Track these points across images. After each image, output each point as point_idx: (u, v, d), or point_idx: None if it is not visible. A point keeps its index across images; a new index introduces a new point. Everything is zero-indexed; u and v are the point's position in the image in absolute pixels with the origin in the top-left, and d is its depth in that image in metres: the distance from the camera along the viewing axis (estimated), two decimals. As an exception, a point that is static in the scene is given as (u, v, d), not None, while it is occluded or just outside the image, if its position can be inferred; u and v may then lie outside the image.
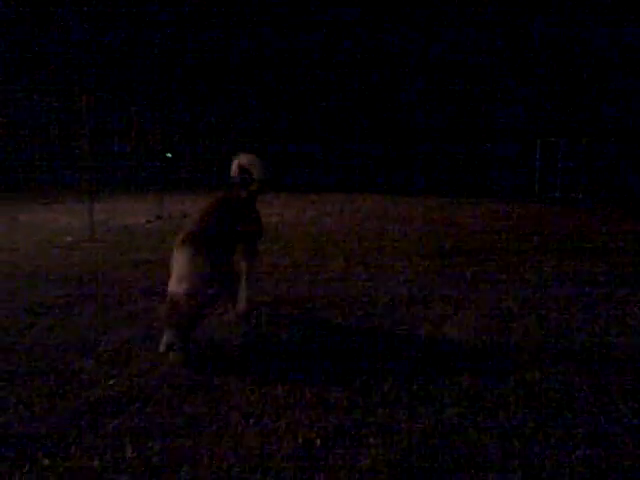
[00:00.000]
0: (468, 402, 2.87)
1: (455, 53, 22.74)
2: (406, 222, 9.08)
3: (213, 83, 24.12)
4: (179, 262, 3.34)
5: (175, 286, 3.22)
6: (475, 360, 3.38)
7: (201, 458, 2.39)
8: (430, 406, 2.84)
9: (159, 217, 10.41)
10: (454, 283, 5.22)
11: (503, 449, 2.48)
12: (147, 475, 2.25)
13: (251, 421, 2.71)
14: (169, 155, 15.17)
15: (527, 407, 2.83)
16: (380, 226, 8.71)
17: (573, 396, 2.95)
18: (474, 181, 12.51)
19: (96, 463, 2.31)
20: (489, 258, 6.45)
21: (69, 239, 7.42)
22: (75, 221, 8.31)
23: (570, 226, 9.70)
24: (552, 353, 3.44)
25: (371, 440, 2.56)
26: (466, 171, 12.84)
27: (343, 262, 6.13)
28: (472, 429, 2.62)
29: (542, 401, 2.89)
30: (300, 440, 2.55)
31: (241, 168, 4.12)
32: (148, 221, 9.73)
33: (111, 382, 3.07)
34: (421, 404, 2.86)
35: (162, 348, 3.14)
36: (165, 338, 3.14)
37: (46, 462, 2.31)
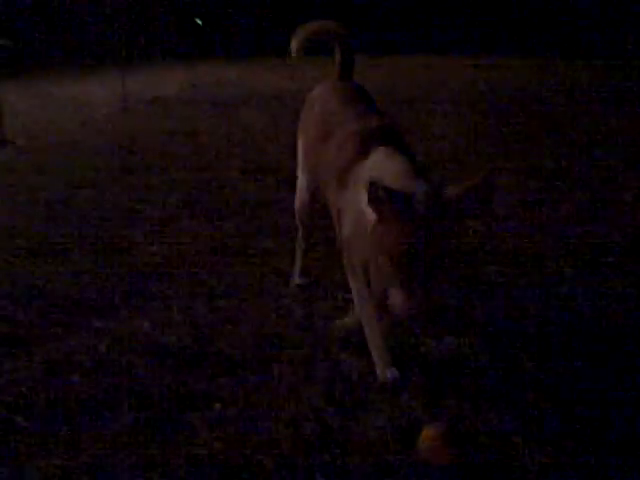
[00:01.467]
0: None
1: None
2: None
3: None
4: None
5: None
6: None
7: (243, 319, 2.48)
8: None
9: (194, 85, 10.25)
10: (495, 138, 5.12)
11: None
12: (193, 334, 2.35)
13: (291, 283, 2.78)
14: (199, 21, 14.70)
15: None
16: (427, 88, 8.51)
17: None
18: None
19: (145, 324, 2.43)
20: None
21: (104, 112, 7.41)
22: (108, 93, 8.25)
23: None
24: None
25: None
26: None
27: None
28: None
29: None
30: (339, 301, 2.61)
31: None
32: (193, 85, 9.49)
33: (154, 248, 3.16)
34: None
35: None
36: None
37: (98, 324, 2.43)
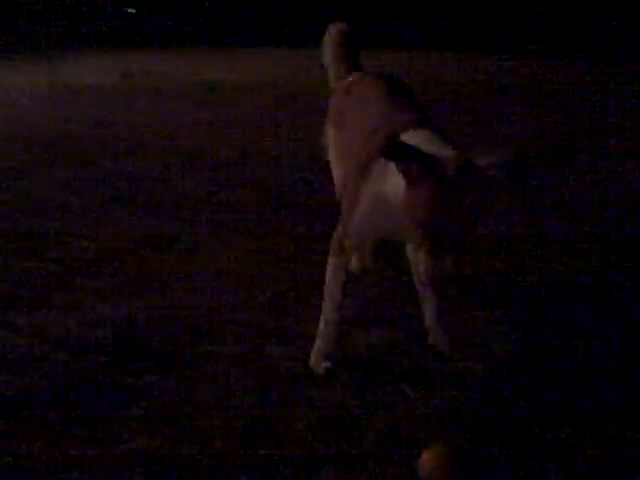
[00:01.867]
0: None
1: None
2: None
3: None
4: None
5: None
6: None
7: (174, 314, 2.45)
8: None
9: (127, 75, 10.02)
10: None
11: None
12: (123, 330, 2.31)
13: (223, 277, 2.76)
14: (132, 10, 14.39)
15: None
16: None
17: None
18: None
19: (72, 320, 2.37)
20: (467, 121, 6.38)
21: (29, 101, 7.16)
22: (38, 80, 7.99)
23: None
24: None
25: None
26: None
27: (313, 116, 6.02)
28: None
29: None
30: (272, 292, 2.61)
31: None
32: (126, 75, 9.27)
33: (84, 242, 3.08)
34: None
35: None
36: None
37: (21, 321, 2.36)
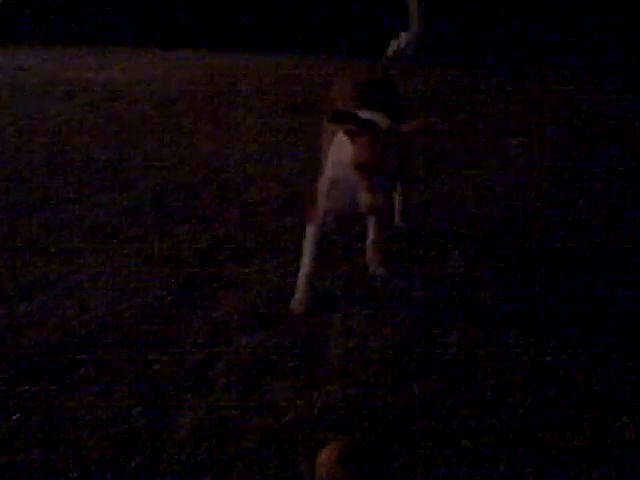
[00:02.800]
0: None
1: None
2: (256, 78, 8.87)
3: None
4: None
5: None
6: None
7: (44, 321, 2.34)
8: (279, 259, 2.92)
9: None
10: (305, 140, 5.25)
11: (347, 295, 2.63)
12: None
13: (99, 282, 2.66)
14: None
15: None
16: (231, 82, 8.45)
17: (414, 237, 3.15)
18: (323, 35, 12.19)
19: None
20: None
21: None
22: None
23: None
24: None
25: (222, 294, 2.61)
26: (313, 26, 12.37)
27: (193, 119, 5.94)
28: (318, 279, 2.74)
29: (384, 249, 3.07)
30: (150, 297, 2.55)
31: None
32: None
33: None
34: (271, 258, 2.93)
35: None
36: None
37: None
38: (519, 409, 1.96)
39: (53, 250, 2.92)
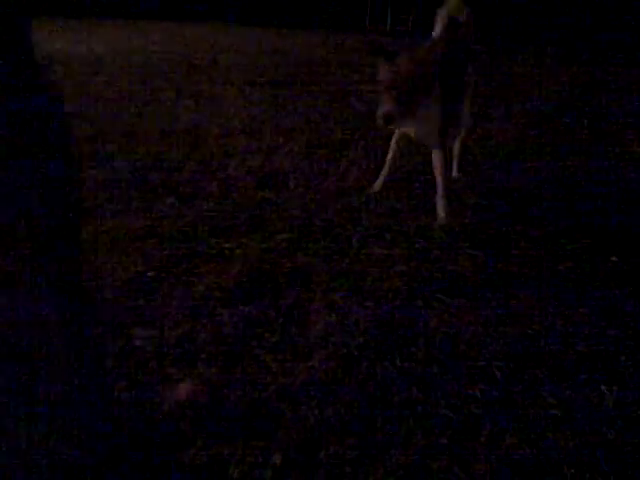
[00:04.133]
0: (297, 229, 2.98)
1: None
2: (237, 52, 8.79)
3: None
4: None
5: None
6: (304, 188, 3.48)
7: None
8: (261, 233, 2.92)
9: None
10: (286, 114, 5.22)
11: (329, 269, 2.63)
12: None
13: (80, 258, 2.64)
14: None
15: (352, 230, 3.00)
16: (211, 56, 8.37)
17: (396, 210, 3.16)
18: (303, 9, 12.07)
19: None
20: (320, 89, 6.47)
21: None
22: None
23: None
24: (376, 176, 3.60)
25: (204, 268, 2.61)
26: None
27: (172, 93, 5.88)
28: (300, 252, 2.75)
29: (364, 223, 3.07)
30: (131, 273, 2.54)
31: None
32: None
33: None
34: (252, 232, 2.93)
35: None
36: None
37: None
38: (500, 379, 1.99)
39: None
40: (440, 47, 3.29)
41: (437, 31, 3.53)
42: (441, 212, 3.11)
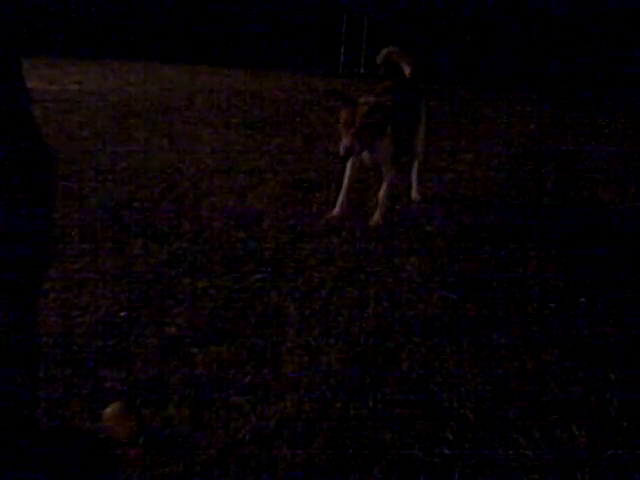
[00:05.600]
0: (271, 270, 2.99)
1: None
2: (212, 93, 8.86)
3: None
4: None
5: None
6: (278, 229, 3.50)
7: None
8: (234, 273, 2.92)
9: None
10: (260, 155, 5.26)
11: (302, 310, 2.63)
12: None
13: (50, 297, 2.61)
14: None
15: (325, 270, 3.01)
16: (186, 97, 8.42)
17: (370, 253, 3.19)
18: (278, 53, 12.25)
19: None
20: (294, 130, 6.54)
21: None
22: None
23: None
24: (356, 217, 3.63)
25: (176, 309, 2.59)
26: (269, 42, 12.42)
27: (147, 133, 5.90)
28: (274, 293, 2.75)
29: (337, 264, 3.09)
30: (102, 313, 2.52)
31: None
32: None
33: None
34: (225, 272, 2.93)
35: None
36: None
37: None
38: (472, 420, 1.99)
39: None
40: (391, 90, 3.82)
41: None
42: (376, 215, 3.66)
